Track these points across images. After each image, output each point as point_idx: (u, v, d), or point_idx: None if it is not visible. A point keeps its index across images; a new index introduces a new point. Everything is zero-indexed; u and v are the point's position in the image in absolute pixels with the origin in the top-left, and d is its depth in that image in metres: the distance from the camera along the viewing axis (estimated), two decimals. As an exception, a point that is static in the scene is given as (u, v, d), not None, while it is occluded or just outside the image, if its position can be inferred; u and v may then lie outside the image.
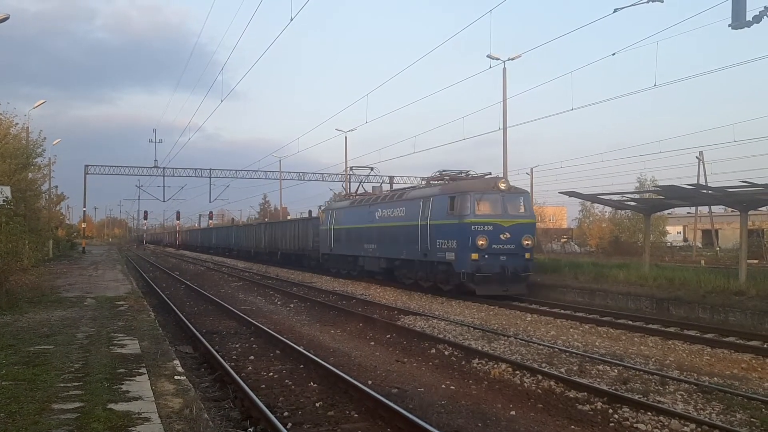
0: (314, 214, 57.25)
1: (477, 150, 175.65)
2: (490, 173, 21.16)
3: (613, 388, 8.14)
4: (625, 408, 7.21)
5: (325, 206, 31.74)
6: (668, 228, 58.05)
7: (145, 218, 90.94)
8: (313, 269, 31.94)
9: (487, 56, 26.54)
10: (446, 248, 18.78)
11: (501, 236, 18.17)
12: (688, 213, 53.90)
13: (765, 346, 11.12)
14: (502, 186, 19.02)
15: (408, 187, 26.72)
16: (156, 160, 55.59)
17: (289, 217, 57.50)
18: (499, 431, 6.69)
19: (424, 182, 23.10)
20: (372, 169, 30.10)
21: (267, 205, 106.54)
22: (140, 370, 7.92)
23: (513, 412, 7.25)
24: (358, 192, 30.44)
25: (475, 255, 17.88)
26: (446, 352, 10.64)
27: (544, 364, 9.50)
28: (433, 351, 10.84)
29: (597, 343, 11.45)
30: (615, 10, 17.79)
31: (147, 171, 56.48)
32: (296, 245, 36.20)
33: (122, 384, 7.17)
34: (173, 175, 56.51)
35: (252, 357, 10.49)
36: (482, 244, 17.87)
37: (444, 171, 22.18)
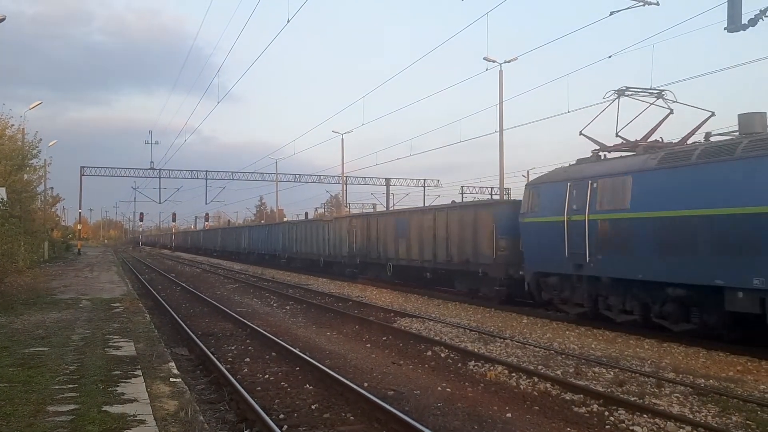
0: (311, 217, 56.93)
1: (473, 152, 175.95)
2: None
3: (609, 390, 8.14)
4: (621, 410, 7.21)
5: (544, 176, 15.59)
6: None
7: (141, 220, 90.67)
8: (496, 303, 17.17)
9: (484, 59, 26.67)
10: None
11: None
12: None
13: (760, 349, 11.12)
14: None
15: None
16: (152, 162, 55.58)
17: (284, 219, 56.75)
18: (495, 433, 6.69)
19: None
20: (662, 94, 14.15)
21: (263, 207, 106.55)
22: (135, 372, 7.91)
23: (509, 415, 7.25)
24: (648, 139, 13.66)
25: None
26: (442, 355, 10.64)
27: (540, 367, 9.50)
28: (430, 353, 10.83)
29: (593, 346, 11.46)
30: (611, 13, 17.87)
31: (143, 173, 56.51)
32: (440, 253, 20.05)
33: (117, 386, 7.16)
34: (169, 176, 56.53)
35: (248, 359, 10.47)
36: None
37: None
